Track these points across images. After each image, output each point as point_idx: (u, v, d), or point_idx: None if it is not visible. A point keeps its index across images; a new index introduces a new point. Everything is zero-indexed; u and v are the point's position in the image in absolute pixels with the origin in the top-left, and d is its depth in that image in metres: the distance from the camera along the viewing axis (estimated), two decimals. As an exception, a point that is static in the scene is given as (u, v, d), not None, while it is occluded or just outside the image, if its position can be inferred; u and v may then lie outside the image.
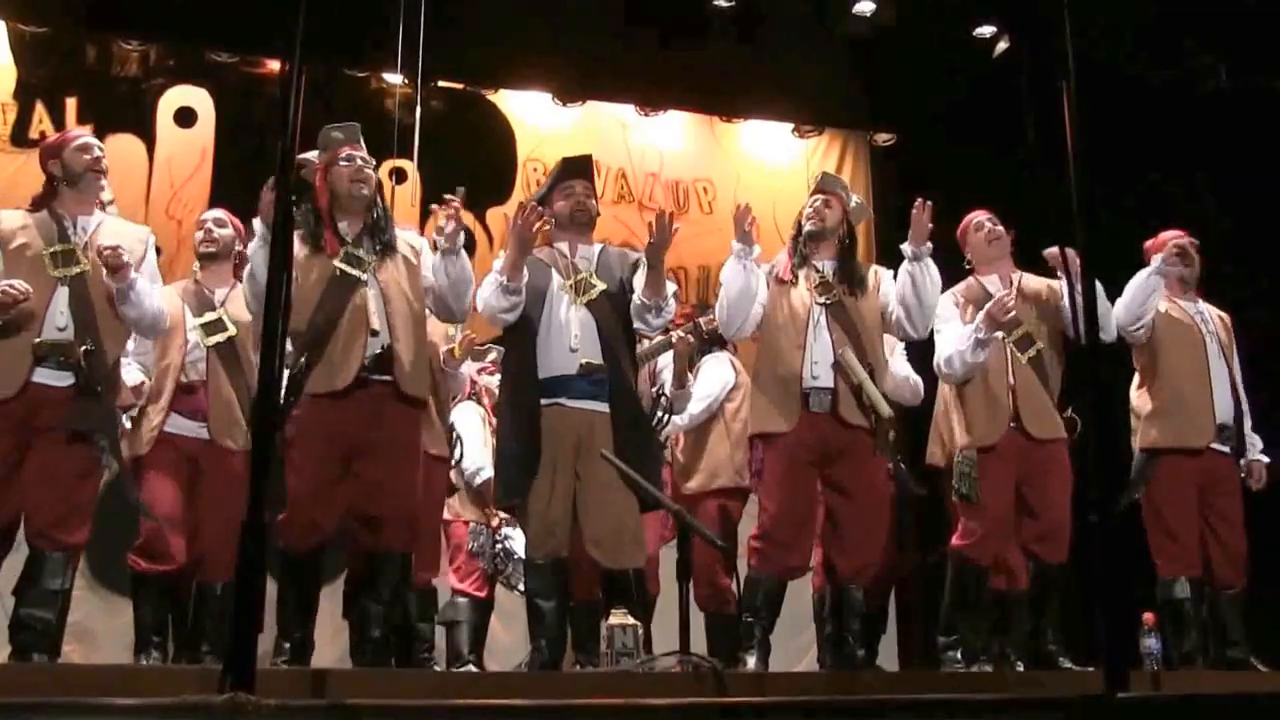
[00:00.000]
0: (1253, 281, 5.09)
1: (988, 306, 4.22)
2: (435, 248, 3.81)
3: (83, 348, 3.68)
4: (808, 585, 4.54)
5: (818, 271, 4.15)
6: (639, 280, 3.88)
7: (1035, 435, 4.24)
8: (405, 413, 3.70)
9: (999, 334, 4.25)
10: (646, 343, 4.70)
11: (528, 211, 3.79)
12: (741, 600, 4.09)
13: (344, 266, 3.68)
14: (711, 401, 4.99)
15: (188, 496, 4.17)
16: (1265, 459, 4.58)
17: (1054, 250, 4.07)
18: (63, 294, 3.71)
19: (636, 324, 3.92)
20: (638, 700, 2.59)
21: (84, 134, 4.08)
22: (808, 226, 4.20)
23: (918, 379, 4.86)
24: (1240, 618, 4.39)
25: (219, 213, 4.50)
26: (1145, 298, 4.50)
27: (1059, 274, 4.22)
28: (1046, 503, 4.24)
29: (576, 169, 4.08)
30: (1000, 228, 4.51)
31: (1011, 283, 4.42)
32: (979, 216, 4.55)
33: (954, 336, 4.31)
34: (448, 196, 3.78)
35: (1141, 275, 4.52)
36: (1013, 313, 4.19)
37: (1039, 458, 4.25)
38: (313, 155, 3.82)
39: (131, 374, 4.16)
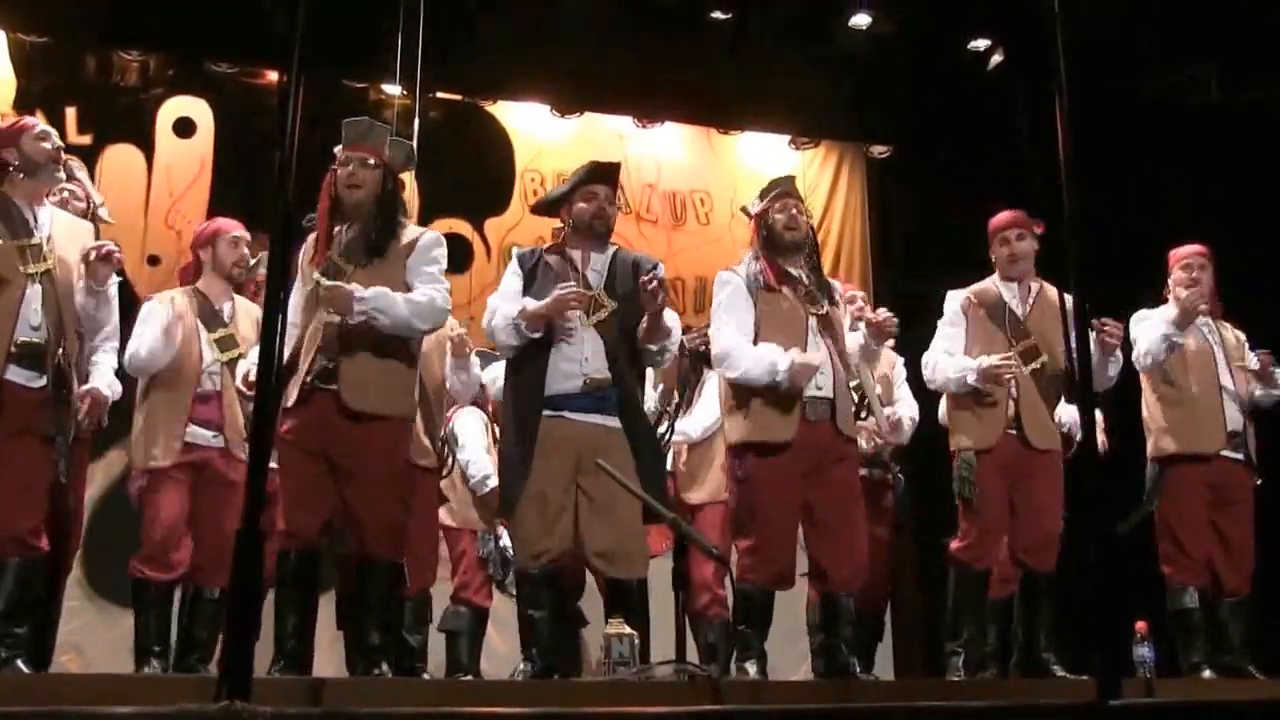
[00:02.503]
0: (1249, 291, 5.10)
1: (988, 367, 4.20)
2: None
3: (60, 350, 3.63)
4: (803, 594, 4.55)
5: (799, 281, 4.08)
6: (640, 328, 3.84)
7: (1035, 445, 4.24)
8: (363, 425, 3.65)
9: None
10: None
11: (575, 295, 3.72)
12: (735, 611, 4.08)
13: (320, 278, 3.66)
14: (718, 419, 5.00)
15: (192, 504, 4.16)
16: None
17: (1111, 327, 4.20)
18: (35, 292, 3.63)
19: (642, 359, 3.92)
20: (635, 708, 2.60)
21: (39, 123, 3.96)
22: (789, 237, 4.08)
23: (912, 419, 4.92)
24: (1241, 625, 4.40)
25: (245, 232, 4.42)
26: (1159, 358, 4.49)
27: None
28: (1035, 511, 4.25)
29: (603, 174, 3.99)
30: (1024, 243, 4.41)
31: (1030, 291, 4.40)
32: (1010, 231, 4.42)
33: (950, 359, 4.31)
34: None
35: (1156, 340, 4.46)
36: (1010, 381, 4.22)
37: (1035, 467, 4.26)
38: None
39: (107, 379, 4.06)
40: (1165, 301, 4.73)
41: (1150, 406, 4.62)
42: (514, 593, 4.86)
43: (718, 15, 6.98)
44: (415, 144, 5.87)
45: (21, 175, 3.77)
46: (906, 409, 4.97)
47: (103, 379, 4.03)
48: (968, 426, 4.31)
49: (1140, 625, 4.60)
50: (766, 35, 6.99)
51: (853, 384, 3.99)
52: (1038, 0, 2.86)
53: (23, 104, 6.33)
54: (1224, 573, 4.43)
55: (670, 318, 3.88)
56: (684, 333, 5.16)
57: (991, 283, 4.46)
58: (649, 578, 4.83)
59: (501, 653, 5.65)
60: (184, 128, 6.71)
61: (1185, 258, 4.72)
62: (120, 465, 4.40)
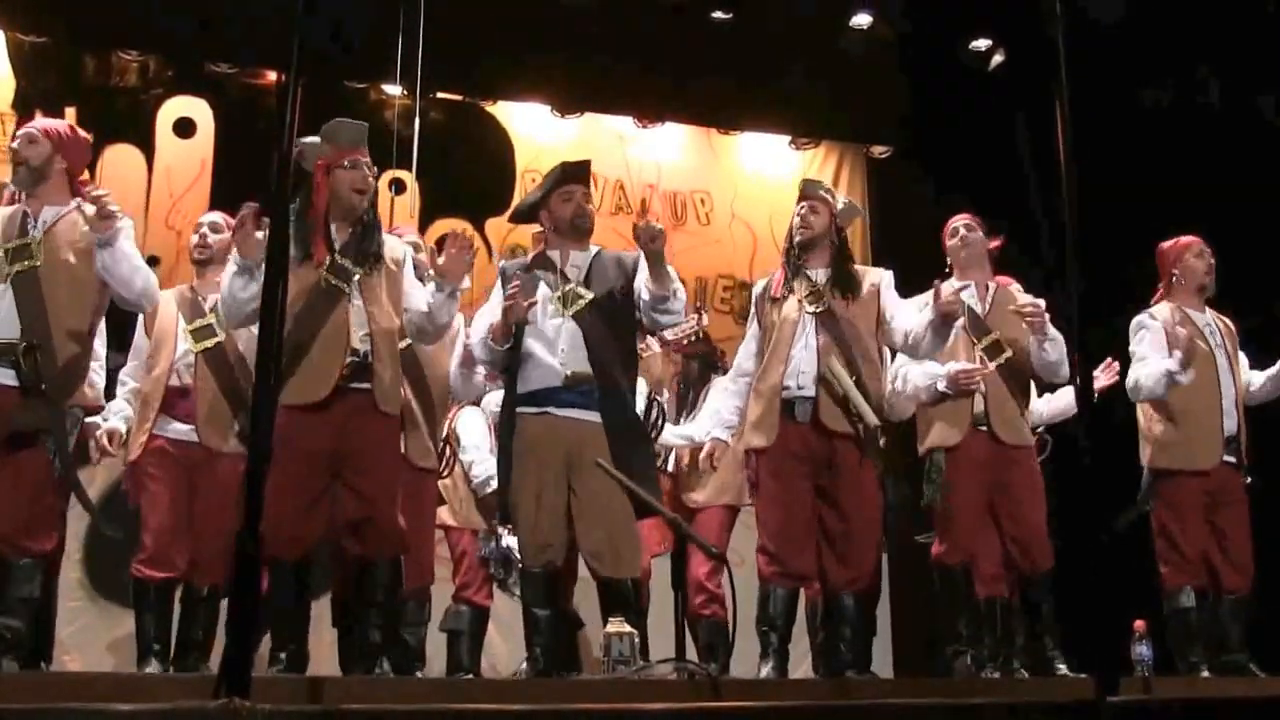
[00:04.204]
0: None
1: (957, 373, 4.22)
2: (435, 280, 3.77)
3: (22, 345, 3.59)
4: (802, 593, 4.56)
5: (810, 281, 4.14)
6: (642, 277, 3.86)
7: (1004, 440, 4.26)
8: (382, 423, 3.71)
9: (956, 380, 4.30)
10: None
11: (525, 303, 3.75)
12: (756, 611, 4.09)
13: (330, 278, 3.67)
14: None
15: (184, 501, 4.15)
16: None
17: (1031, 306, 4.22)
18: (7, 292, 3.63)
19: (652, 320, 3.88)
20: (634, 706, 2.60)
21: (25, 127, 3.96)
22: (798, 237, 4.19)
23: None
24: (1241, 624, 4.41)
25: (216, 217, 4.46)
26: (1155, 395, 4.45)
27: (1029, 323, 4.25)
28: (1020, 513, 4.27)
29: (576, 174, 4.05)
30: (974, 234, 4.47)
31: (987, 290, 4.44)
32: (956, 221, 4.53)
33: (918, 367, 4.31)
34: (459, 234, 3.75)
35: (1158, 376, 4.39)
36: (976, 389, 4.23)
37: (1008, 464, 4.27)
38: (313, 141, 3.75)
39: (114, 419, 4.18)
40: (1162, 297, 4.70)
41: (1146, 416, 4.57)
42: (515, 592, 4.88)
43: (718, 15, 6.99)
44: (416, 145, 5.96)
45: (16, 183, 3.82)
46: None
47: (119, 414, 4.18)
48: (936, 426, 4.32)
49: (1139, 624, 4.62)
50: (767, 35, 7.00)
51: (842, 386, 3.98)
52: (1038, 1, 2.87)
53: (22, 104, 6.35)
54: (1223, 573, 4.44)
55: (672, 273, 3.83)
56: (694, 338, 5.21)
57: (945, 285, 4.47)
58: (648, 580, 4.87)
59: (502, 652, 5.66)
60: (184, 128, 6.72)
61: (1192, 245, 4.67)
62: (120, 466, 4.40)
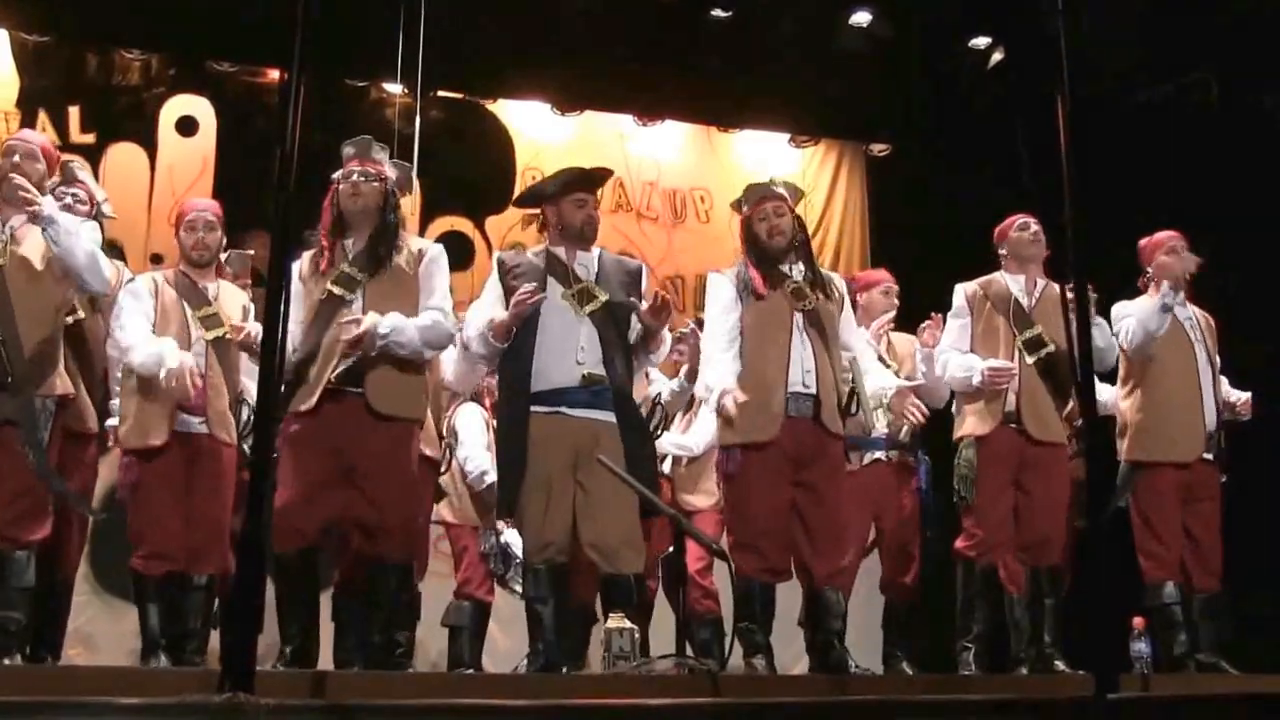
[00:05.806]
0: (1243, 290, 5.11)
1: (992, 372, 4.29)
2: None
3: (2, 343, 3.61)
4: (799, 591, 4.57)
5: (789, 278, 4.10)
6: (638, 330, 3.91)
7: (1035, 436, 4.29)
8: (385, 428, 3.72)
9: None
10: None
11: (534, 297, 3.74)
12: (736, 607, 4.10)
13: (333, 288, 3.74)
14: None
15: (182, 493, 4.12)
16: (1245, 394, 4.64)
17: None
18: None
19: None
20: (634, 701, 2.62)
21: (13, 139, 4.02)
22: (775, 244, 4.09)
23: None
24: (1213, 621, 4.42)
25: (210, 215, 4.35)
26: (1156, 331, 4.48)
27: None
28: (1038, 507, 4.29)
29: (595, 181, 4.06)
30: (1042, 234, 4.52)
31: (1036, 285, 4.49)
32: (1024, 218, 4.56)
33: (958, 357, 4.42)
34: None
35: (1152, 310, 4.46)
36: (1005, 387, 4.31)
37: (1036, 460, 4.30)
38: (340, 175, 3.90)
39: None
40: (1144, 292, 4.72)
41: (1125, 408, 4.56)
42: (514, 589, 4.90)
43: (718, 13, 7.01)
44: (417, 143, 5.97)
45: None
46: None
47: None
48: (970, 415, 4.40)
49: (1138, 620, 4.62)
50: (766, 33, 7.01)
51: (844, 378, 4.00)
52: (1038, 0, 2.88)
53: (26, 104, 6.37)
54: (1194, 571, 4.45)
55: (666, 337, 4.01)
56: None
57: (999, 275, 4.55)
58: (658, 571, 4.88)
59: (503, 648, 5.68)
60: (186, 126, 6.75)
61: (1169, 241, 4.69)
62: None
